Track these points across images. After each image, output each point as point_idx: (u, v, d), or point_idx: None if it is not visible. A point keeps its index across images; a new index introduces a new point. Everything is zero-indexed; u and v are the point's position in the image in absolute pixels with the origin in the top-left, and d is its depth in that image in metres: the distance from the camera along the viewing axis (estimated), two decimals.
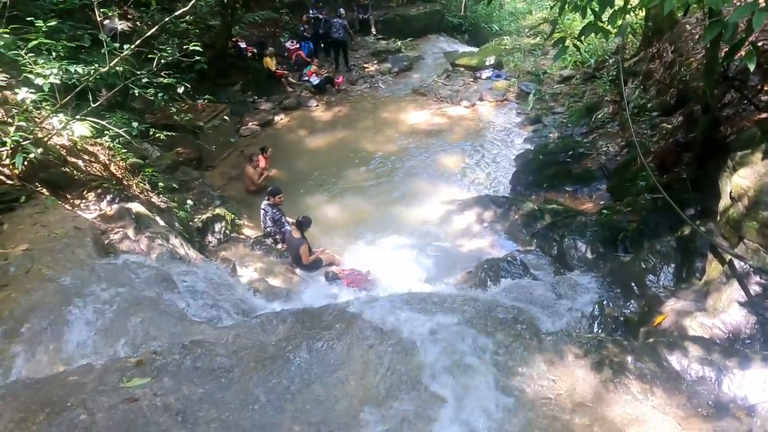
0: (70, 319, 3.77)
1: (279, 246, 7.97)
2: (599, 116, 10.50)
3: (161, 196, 7.59)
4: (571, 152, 9.53)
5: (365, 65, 15.89)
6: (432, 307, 3.73)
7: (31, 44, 5.37)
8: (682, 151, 7.00)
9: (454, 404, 2.94)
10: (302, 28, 15.50)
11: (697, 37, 8.76)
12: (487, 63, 14.74)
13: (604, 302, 4.51)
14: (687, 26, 9.34)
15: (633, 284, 4.87)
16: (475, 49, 17.05)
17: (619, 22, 4.05)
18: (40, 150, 5.45)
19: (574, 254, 6.48)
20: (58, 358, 3.47)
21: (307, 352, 3.24)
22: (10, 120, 5.73)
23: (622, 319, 4.20)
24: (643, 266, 5.00)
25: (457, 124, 12.06)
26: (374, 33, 18.01)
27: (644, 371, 2.98)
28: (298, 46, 15.04)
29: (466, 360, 3.16)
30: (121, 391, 2.68)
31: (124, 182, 6.93)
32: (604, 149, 9.41)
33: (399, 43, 17.43)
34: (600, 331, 4.10)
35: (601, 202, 8.18)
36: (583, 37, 4.14)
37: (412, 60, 16.48)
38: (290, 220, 8.08)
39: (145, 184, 7.41)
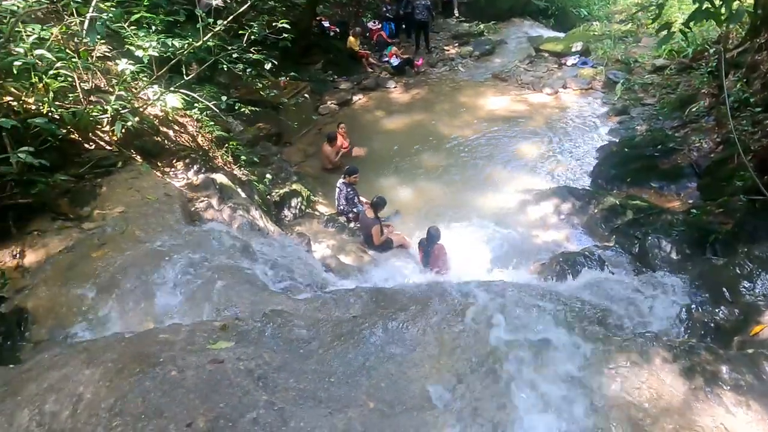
0: (160, 280, 3.99)
1: (351, 224, 8.07)
2: (693, 110, 9.86)
3: (242, 168, 7.84)
4: (659, 146, 9.03)
5: (446, 48, 15.65)
6: (510, 295, 3.65)
7: (133, 17, 5.64)
8: None
9: (529, 396, 2.88)
10: (385, 9, 15.46)
11: None
12: (573, 49, 14.11)
13: (692, 306, 4.26)
14: None
15: (725, 290, 4.55)
16: (561, 35, 16.37)
17: (734, 6, 3.74)
18: (136, 119, 5.74)
19: (657, 254, 6.17)
20: (148, 315, 3.68)
21: (382, 330, 3.27)
22: (111, 89, 6.07)
23: (712, 325, 3.95)
24: (738, 271, 4.66)
25: (537, 111, 11.69)
26: (457, 15, 17.72)
27: (740, 383, 2.79)
28: (380, 26, 15.02)
29: (544, 352, 3.08)
30: (208, 352, 2.80)
31: (210, 154, 7.20)
32: (697, 145, 8.84)
33: (482, 26, 17.01)
34: (687, 335, 3.88)
35: (690, 201, 7.74)
36: (691, 23, 3.86)
37: (494, 44, 16.04)
38: (364, 200, 8.16)
39: (228, 157, 7.67)
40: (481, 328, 3.26)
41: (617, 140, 10.02)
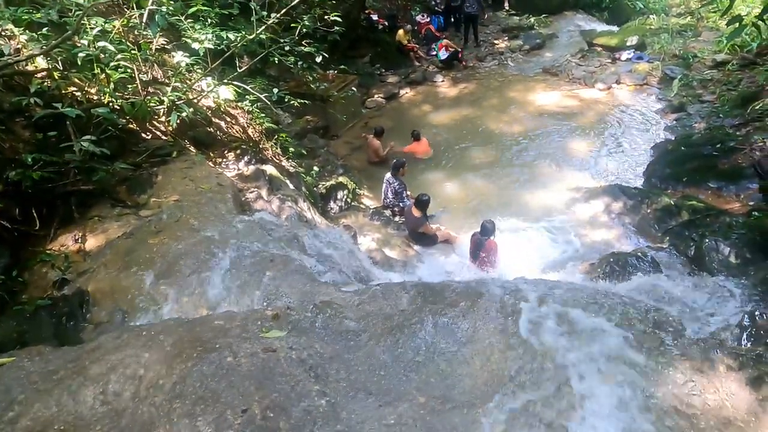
0: (213, 268, 4.06)
1: (397, 218, 8.07)
2: (757, 107, 9.40)
3: (290, 160, 7.93)
4: (718, 145, 8.67)
5: (495, 41, 15.44)
6: (562, 294, 3.56)
7: (191, 10, 5.76)
8: None
9: (582, 399, 2.80)
10: (434, 2, 15.34)
11: None
12: (628, 43, 13.70)
13: (756, 312, 4.06)
14: None
15: None
16: (615, 28, 15.93)
17: None
18: (190, 110, 5.87)
19: (715, 257, 5.93)
20: (202, 302, 3.76)
21: (432, 326, 3.24)
22: (167, 81, 6.23)
23: None
24: None
25: (589, 107, 11.41)
26: (507, 8, 17.45)
27: None
28: (428, 20, 14.94)
29: (599, 354, 2.99)
30: (262, 340, 2.84)
31: (260, 145, 7.31)
32: (760, 144, 8.42)
33: (532, 19, 16.73)
34: (750, 343, 3.70)
35: (751, 203, 7.40)
36: (766, 16, 3.66)
37: (545, 38, 15.75)
38: (410, 194, 8.14)
39: (277, 149, 7.77)
40: (533, 327, 3.20)
41: (673, 138, 9.71)
